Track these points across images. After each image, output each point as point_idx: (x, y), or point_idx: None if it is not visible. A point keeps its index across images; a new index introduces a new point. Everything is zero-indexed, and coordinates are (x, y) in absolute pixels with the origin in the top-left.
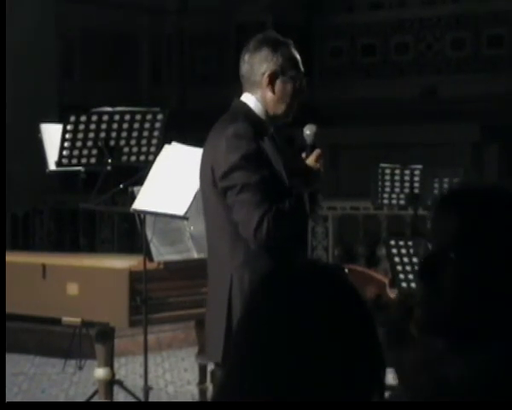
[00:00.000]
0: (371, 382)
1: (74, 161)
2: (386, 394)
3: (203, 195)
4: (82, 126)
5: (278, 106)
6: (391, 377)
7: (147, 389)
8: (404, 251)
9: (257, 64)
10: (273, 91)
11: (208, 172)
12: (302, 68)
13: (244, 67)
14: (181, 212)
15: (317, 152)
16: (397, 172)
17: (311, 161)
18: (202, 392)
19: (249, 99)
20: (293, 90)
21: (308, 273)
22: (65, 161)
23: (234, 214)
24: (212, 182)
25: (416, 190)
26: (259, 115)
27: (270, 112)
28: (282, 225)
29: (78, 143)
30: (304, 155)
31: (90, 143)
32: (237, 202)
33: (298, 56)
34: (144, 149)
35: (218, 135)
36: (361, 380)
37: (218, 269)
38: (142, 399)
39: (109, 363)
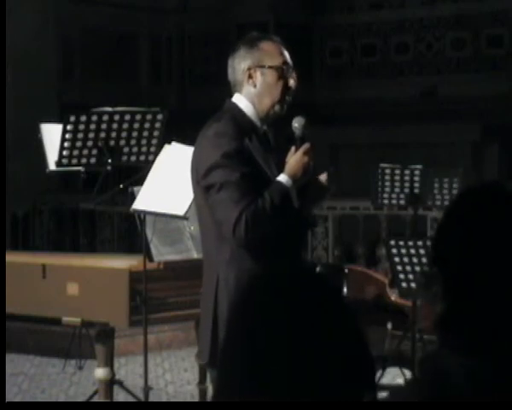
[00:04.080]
0: (361, 382)
1: (74, 161)
2: (385, 393)
3: (194, 195)
4: (82, 126)
5: (263, 99)
6: (390, 378)
7: (147, 389)
8: (404, 251)
9: (237, 64)
10: (254, 85)
11: (194, 172)
12: (288, 60)
13: (228, 71)
14: (181, 212)
15: (305, 146)
16: (397, 172)
17: (298, 154)
18: (202, 392)
19: (239, 99)
20: (275, 80)
21: (291, 276)
22: (65, 161)
23: (214, 213)
24: (197, 182)
25: (416, 190)
26: (249, 115)
27: (259, 108)
28: (261, 223)
29: (78, 143)
30: (293, 148)
31: (90, 143)
32: (217, 201)
33: (280, 49)
34: (144, 149)
35: (202, 135)
36: (350, 381)
37: (207, 268)
38: (142, 399)
39: (109, 363)
